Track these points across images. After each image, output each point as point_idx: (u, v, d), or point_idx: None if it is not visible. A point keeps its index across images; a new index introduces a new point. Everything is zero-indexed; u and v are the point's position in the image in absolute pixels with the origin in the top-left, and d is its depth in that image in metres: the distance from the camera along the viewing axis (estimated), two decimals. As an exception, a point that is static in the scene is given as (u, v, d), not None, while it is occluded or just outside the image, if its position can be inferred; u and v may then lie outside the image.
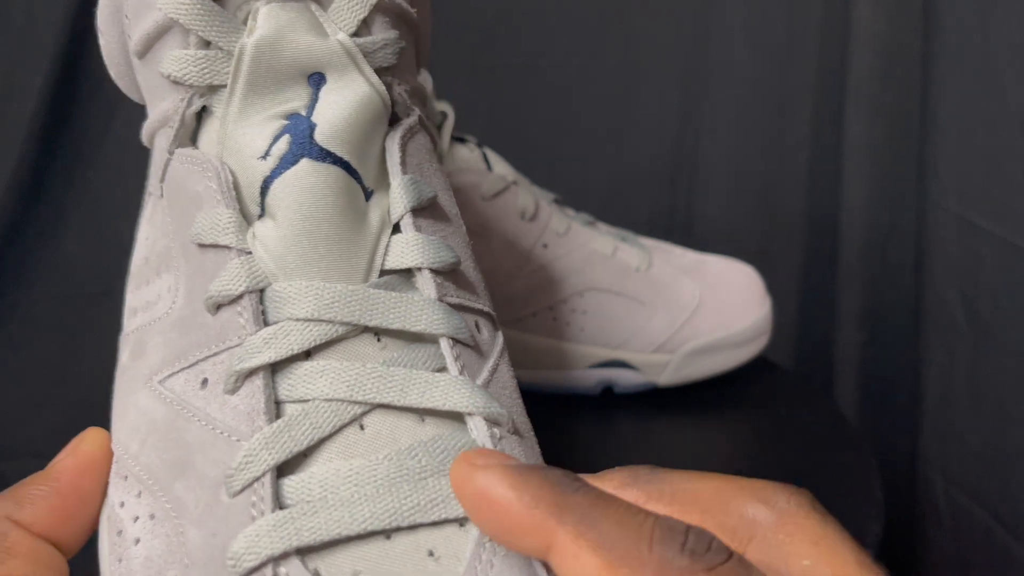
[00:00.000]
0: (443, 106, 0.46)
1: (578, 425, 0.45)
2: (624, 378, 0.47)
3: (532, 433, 0.22)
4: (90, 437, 0.22)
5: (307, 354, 0.20)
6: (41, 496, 0.20)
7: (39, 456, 0.46)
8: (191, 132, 0.23)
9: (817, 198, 0.69)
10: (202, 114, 0.23)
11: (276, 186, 0.21)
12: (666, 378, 0.47)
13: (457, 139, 0.46)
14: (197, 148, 0.22)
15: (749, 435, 0.45)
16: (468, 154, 0.46)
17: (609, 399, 0.47)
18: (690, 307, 0.46)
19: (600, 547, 0.15)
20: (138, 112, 0.27)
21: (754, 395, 0.48)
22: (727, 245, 0.55)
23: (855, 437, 0.44)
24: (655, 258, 0.47)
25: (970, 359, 0.58)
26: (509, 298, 0.46)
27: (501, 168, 0.46)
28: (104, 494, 0.21)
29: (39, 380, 0.56)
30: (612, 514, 0.16)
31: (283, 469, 0.18)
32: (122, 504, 0.20)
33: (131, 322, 0.24)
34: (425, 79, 0.44)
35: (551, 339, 0.46)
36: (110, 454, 0.22)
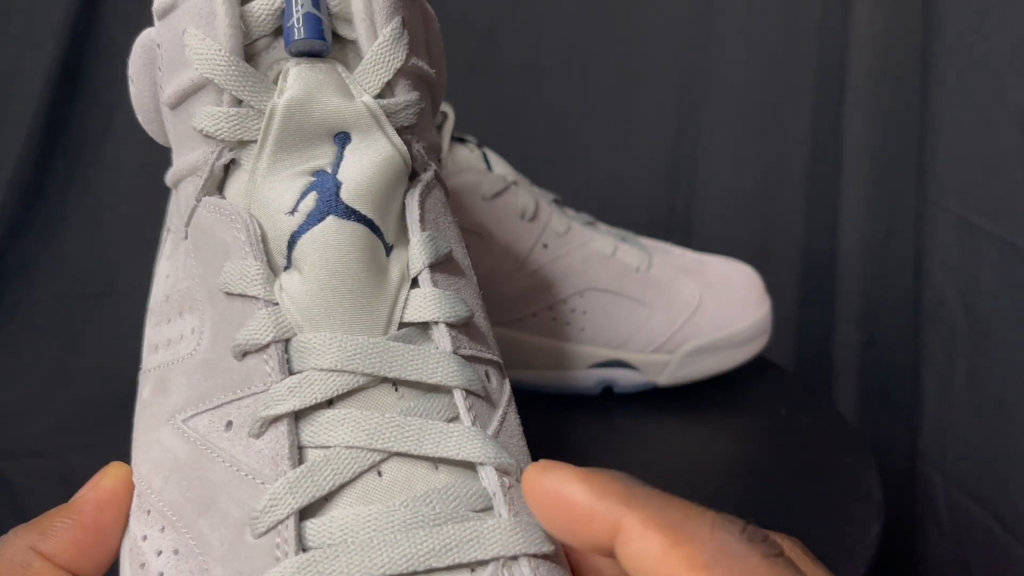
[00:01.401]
0: (443, 106, 0.46)
1: (578, 425, 0.45)
2: (624, 378, 0.47)
3: None
4: (112, 472, 0.23)
5: (329, 402, 0.21)
6: (64, 528, 0.22)
7: (39, 456, 0.46)
8: (219, 182, 0.24)
9: (816, 198, 0.69)
10: (230, 166, 0.24)
11: (303, 241, 0.22)
12: (666, 378, 0.47)
13: (457, 139, 0.46)
14: (224, 198, 0.23)
15: (749, 435, 0.45)
16: (468, 154, 0.46)
17: (609, 399, 0.47)
18: (690, 307, 0.46)
19: (666, 528, 0.17)
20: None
21: (754, 395, 0.48)
22: (727, 245, 0.56)
23: (855, 437, 0.44)
24: (655, 258, 0.47)
25: (970, 359, 0.58)
26: (509, 298, 0.46)
27: (501, 168, 0.46)
28: (125, 527, 0.22)
29: (39, 380, 0.56)
30: (675, 503, 0.18)
31: (305, 512, 0.19)
32: (145, 538, 0.21)
33: (152, 358, 0.24)
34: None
35: (551, 339, 0.46)
36: (131, 488, 0.23)
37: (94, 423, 0.46)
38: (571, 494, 0.18)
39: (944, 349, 0.60)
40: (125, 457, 0.24)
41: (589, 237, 0.47)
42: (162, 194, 0.27)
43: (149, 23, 0.25)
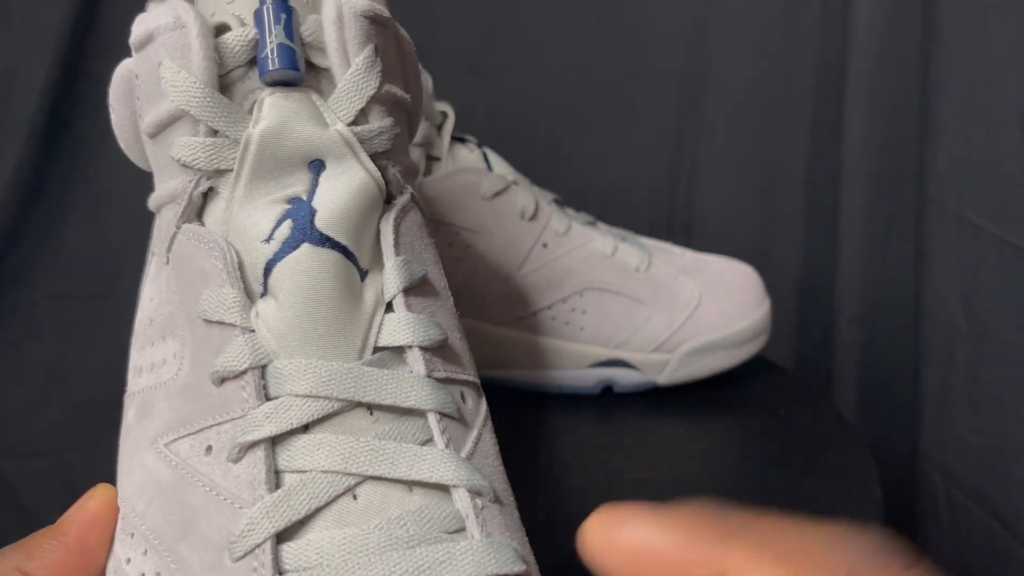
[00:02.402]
0: (443, 106, 0.46)
1: (578, 425, 0.45)
2: (624, 377, 0.47)
3: (512, 498, 0.23)
4: (98, 495, 0.23)
5: (305, 427, 0.21)
6: (49, 550, 0.22)
7: (39, 456, 0.46)
8: (197, 209, 0.24)
9: (817, 198, 0.69)
10: (208, 194, 0.24)
11: (279, 269, 0.22)
12: (666, 377, 0.47)
13: (457, 139, 0.46)
14: (203, 224, 0.24)
15: (749, 435, 0.45)
16: (468, 154, 0.46)
17: (609, 398, 0.47)
18: (690, 307, 0.46)
19: (781, 556, 0.15)
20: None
21: (754, 395, 0.48)
22: (727, 245, 0.56)
23: (855, 437, 0.44)
24: (655, 258, 0.47)
25: (970, 359, 0.58)
26: (509, 298, 0.46)
27: (501, 168, 0.47)
28: (109, 549, 0.23)
29: (39, 380, 0.56)
30: (776, 527, 0.16)
31: (282, 536, 0.20)
32: (128, 560, 0.22)
33: (136, 382, 0.25)
34: (425, 79, 0.44)
35: (551, 338, 0.46)
36: (116, 511, 0.23)
37: (94, 423, 0.46)
38: (657, 543, 0.16)
39: (944, 349, 0.60)
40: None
41: (589, 237, 0.47)
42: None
43: None
